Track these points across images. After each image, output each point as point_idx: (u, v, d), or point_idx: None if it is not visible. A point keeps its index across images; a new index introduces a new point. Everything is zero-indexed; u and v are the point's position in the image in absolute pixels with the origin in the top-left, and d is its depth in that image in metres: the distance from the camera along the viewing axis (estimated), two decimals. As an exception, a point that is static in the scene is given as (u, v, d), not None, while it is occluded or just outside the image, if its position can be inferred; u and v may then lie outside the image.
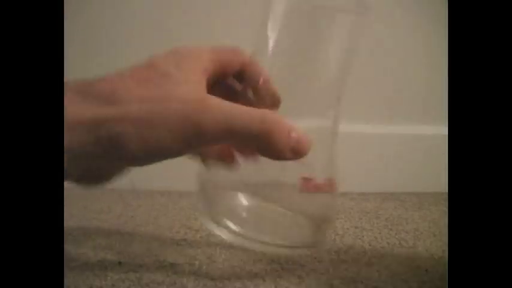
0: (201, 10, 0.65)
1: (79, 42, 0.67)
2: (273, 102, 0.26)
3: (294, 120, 0.24)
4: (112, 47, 0.68)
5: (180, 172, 0.66)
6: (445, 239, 0.40)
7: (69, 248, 0.37)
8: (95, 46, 0.68)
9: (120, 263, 0.34)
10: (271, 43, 0.27)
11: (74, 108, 0.22)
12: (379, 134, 0.62)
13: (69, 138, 0.21)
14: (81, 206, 0.54)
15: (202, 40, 0.67)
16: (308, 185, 0.27)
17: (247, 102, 0.24)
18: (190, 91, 0.23)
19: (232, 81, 0.28)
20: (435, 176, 0.50)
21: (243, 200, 0.28)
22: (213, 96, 0.23)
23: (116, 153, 0.22)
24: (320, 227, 0.30)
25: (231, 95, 0.25)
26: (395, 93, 0.61)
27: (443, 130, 0.52)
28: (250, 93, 0.26)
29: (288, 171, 0.27)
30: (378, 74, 0.60)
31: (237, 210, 0.28)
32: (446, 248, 0.36)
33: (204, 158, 0.29)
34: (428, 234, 0.42)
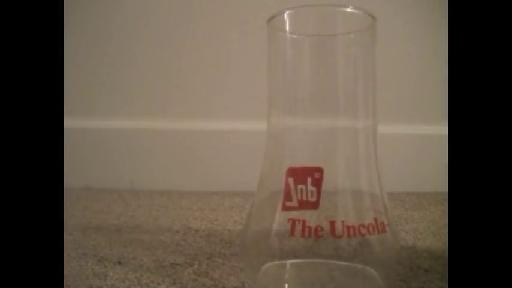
0: (201, 10, 0.65)
1: (79, 41, 0.67)
2: None
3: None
4: (112, 47, 0.68)
5: (180, 172, 0.66)
6: (445, 239, 0.40)
7: (69, 248, 0.37)
8: (95, 46, 0.68)
9: (120, 263, 0.34)
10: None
11: None
12: (378, 134, 0.62)
13: None
14: (81, 206, 0.54)
15: (203, 40, 0.67)
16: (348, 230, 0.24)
17: None
18: None
19: None
20: (435, 176, 0.50)
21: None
22: None
23: None
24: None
25: None
26: (395, 93, 0.61)
27: (443, 130, 0.53)
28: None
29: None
30: (378, 74, 0.60)
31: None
32: (446, 248, 0.36)
33: None
34: (428, 234, 0.42)
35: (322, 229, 0.24)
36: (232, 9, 0.63)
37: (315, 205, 0.24)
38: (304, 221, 0.24)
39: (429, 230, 0.44)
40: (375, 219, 0.25)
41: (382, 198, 0.26)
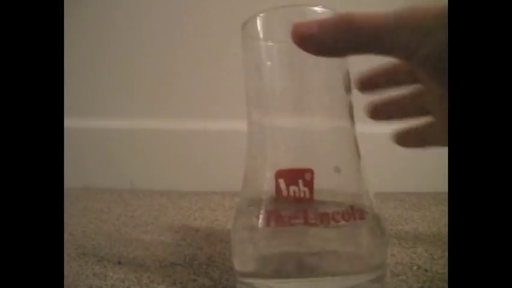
0: (201, 10, 0.65)
1: (79, 41, 0.67)
2: None
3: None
4: (112, 47, 0.68)
5: (180, 172, 0.66)
6: (445, 239, 0.40)
7: (69, 248, 0.37)
8: (95, 46, 0.68)
9: (120, 263, 0.34)
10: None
11: None
12: (379, 134, 0.62)
13: None
14: (81, 206, 0.54)
15: (203, 40, 0.67)
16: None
17: None
18: None
19: None
20: (435, 176, 0.50)
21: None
22: None
23: None
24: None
25: None
26: (395, 93, 0.61)
27: (443, 130, 0.52)
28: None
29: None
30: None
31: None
32: (446, 248, 0.36)
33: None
34: (428, 234, 0.42)
35: (296, 217, 0.24)
36: (233, 9, 0.63)
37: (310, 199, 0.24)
38: (278, 211, 0.24)
39: (429, 230, 0.44)
40: (351, 207, 0.25)
41: (362, 185, 0.26)
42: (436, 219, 0.48)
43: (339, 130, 0.26)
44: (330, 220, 0.24)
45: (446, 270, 0.31)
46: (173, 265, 0.33)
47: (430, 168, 0.58)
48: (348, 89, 0.27)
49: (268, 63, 0.26)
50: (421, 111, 0.30)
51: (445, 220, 0.47)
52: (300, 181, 0.24)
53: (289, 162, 0.25)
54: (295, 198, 0.24)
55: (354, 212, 0.25)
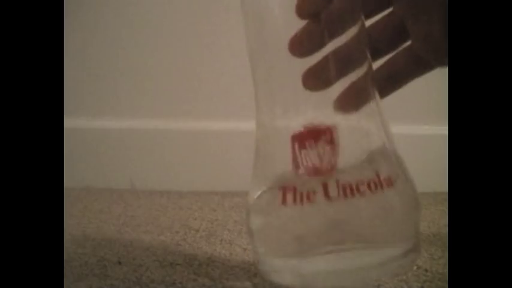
0: (201, 10, 0.65)
1: (79, 41, 0.67)
2: None
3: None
4: (112, 47, 0.68)
5: (180, 172, 0.66)
6: (445, 239, 0.40)
7: (69, 248, 0.37)
8: (95, 46, 0.68)
9: (120, 263, 0.34)
10: None
11: None
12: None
13: None
14: (81, 206, 0.54)
15: (202, 40, 0.67)
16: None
17: None
18: None
19: None
20: (435, 176, 0.50)
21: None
22: None
23: None
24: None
25: None
26: (395, 93, 0.61)
27: (443, 130, 0.52)
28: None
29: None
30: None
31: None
32: (446, 248, 0.36)
33: None
34: (428, 234, 0.42)
35: (315, 193, 0.21)
36: (233, 9, 0.63)
37: (333, 168, 0.21)
38: (295, 188, 0.22)
39: (429, 230, 0.44)
40: (377, 173, 0.22)
41: (391, 147, 0.24)
42: (436, 219, 0.47)
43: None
44: (354, 192, 0.21)
45: (446, 270, 0.31)
46: (173, 265, 0.33)
47: (430, 168, 0.58)
48: (363, 38, 0.24)
49: (273, 10, 0.24)
50: (397, 36, 0.26)
51: (445, 220, 0.47)
52: (320, 143, 0.21)
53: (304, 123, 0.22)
54: (314, 169, 0.21)
55: (381, 180, 0.22)
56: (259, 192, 0.24)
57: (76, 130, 0.66)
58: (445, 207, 0.52)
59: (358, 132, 0.24)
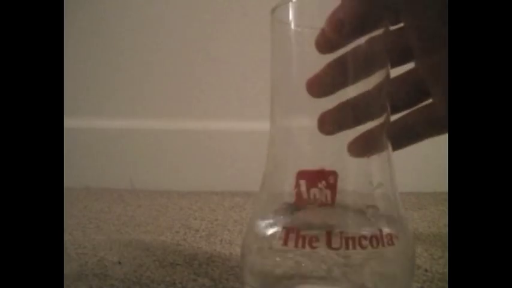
0: (200, 10, 0.65)
1: (79, 41, 0.67)
2: None
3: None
4: (112, 47, 0.68)
5: (180, 172, 0.66)
6: (445, 239, 0.40)
7: (69, 248, 0.37)
8: (95, 46, 0.68)
9: (120, 263, 0.34)
10: None
11: None
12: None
13: None
14: (81, 206, 0.54)
15: (201, 39, 0.67)
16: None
17: None
18: None
19: None
20: (435, 176, 0.50)
21: None
22: None
23: None
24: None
25: None
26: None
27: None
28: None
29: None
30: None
31: None
32: (446, 248, 0.36)
33: None
34: (428, 234, 0.42)
35: (317, 240, 0.22)
36: (233, 8, 0.63)
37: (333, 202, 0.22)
38: (298, 230, 0.22)
39: (429, 230, 0.44)
40: (380, 230, 0.22)
41: (396, 203, 0.24)
42: (436, 219, 0.48)
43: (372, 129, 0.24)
44: (355, 245, 0.22)
45: (446, 270, 0.31)
46: (173, 265, 0.33)
47: (430, 168, 0.58)
48: (386, 84, 0.24)
49: (300, 50, 0.24)
50: (417, 94, 0.26)
51: (445, 220, 0.47)
52: (323, 183, 0.23)
53: (312, 164, 0.23)
54: (315, 201, 0.22)
55: (383, 236, 0.22)
56: (263, 224, 0.25)
57: (76, 130, 0.66)
58: (445, 207, 0.52)
59: (366, 178, 0.24)
